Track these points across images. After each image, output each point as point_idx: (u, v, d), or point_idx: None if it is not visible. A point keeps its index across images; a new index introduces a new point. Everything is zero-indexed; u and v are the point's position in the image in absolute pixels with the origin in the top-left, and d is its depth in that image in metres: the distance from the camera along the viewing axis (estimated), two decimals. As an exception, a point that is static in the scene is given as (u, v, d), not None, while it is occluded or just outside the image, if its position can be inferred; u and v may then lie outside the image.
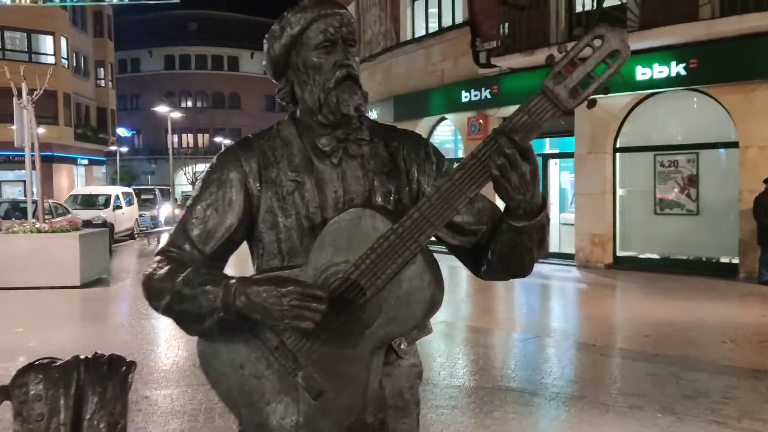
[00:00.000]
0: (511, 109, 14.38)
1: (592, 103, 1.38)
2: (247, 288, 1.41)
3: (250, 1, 57.69)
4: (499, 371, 6.21)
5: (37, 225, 11.47)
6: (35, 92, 11.12)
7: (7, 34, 31.60)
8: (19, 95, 11.39)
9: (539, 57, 11.96)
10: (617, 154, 13.34)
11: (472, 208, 1.63)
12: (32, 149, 11.97)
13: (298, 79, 1.65)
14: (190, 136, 56.14)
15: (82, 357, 2.08)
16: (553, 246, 14.37)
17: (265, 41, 1.67)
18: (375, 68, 18.37)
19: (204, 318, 1.46)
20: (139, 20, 53.12)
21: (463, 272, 13.13)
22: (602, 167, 13.25)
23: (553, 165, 15.08)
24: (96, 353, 2.12)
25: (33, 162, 12.23)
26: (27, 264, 10.86)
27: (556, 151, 15.09)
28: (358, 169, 1.65)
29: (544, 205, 1.46)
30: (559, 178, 15.30)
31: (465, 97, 15.22)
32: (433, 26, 16.99)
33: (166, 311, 1.51)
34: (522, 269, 1.58)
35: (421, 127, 16.62)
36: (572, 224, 14.02)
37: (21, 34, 31.72)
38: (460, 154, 16.01)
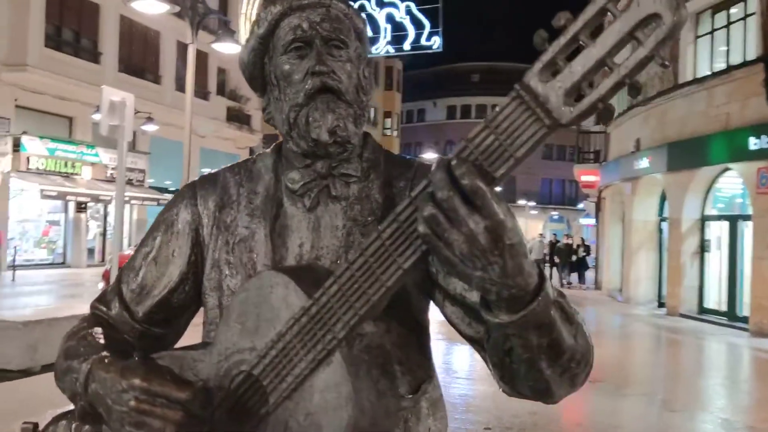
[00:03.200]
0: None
1: (607, 115, 0.76)
2: (98, 372, 1.03)
3: (534, 51, 58.54)
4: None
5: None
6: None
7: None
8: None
9: None
10: None
11: None
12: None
13: (272, 94, 1.25)
14: (466, 182, 57.97)
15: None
16: None
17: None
18: (649, 113, 16.77)
19: (74, 404, 1.11)
20: (427, 73, 57.04)
21: (742, 350, 11.04)
22: None
23: None
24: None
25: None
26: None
27: None
28: (338, 216, 1.19)
29: (540, 286, 0.85)
30: None
31: (754, 144, 12.99)
32: (719, 65, 14.97)
33: (58, 387, 1.20)
34: (534, 392, 0.96)
35: (699, 177, 14.64)
36: None
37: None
38: (749, 211, 13.68)
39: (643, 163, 16.65)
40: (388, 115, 45.97)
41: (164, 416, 0.94)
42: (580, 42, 0.76)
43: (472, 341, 1.12)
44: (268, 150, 1.32)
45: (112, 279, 9.80)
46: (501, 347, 0.90)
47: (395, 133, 46.97)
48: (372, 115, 43.40)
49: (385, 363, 0.99)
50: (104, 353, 1.07)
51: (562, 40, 0.76)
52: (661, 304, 16.41)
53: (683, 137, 15.04)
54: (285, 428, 0.96)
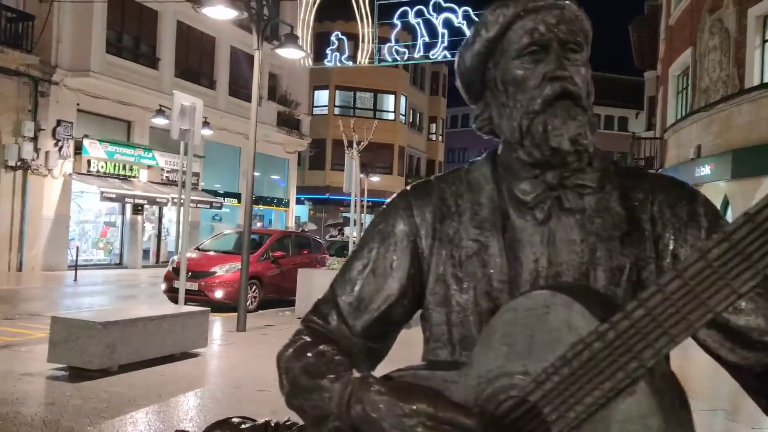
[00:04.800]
0: None
1: None
2: (366, 394, 0.98)
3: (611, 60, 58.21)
4: None
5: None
6: (361, 143, 12.21)
7: (358, 94, 36.11)
8: (350, 146, 12.63)
9: None
10: None
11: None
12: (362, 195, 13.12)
13: (495, 100, 1.19)
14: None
15: (272, 422, 1.87)
16: None
17: (458, 52, 1.26)
18: (711, 119, 16.31)
19: (319, 423, 1.06)
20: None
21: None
22: None
23: None
24: (287, 420, 1.88)
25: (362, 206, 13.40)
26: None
27: None
28: (574, 229, 1.11)
29: None
30: None
31: (827, 151, 12.55)
32: (789, 69, 14.48)
33: (289, 405, 1.15)
34: None
35: (766, 186, 14.16)
36: None
37: (369, 94, 35.91)
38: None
39: (705, 170, 16.20)
40: (433, 120, 45.89)
41: None
42: None
43: (734, 367, 1.04)
44: (481, 158, 1.26)
45: (176, 279, 9.84)
46: None
47: (440, 138, 46.87)
48: (417, 120, 43.34)
49: (681, 392, 0.92)
50: (359, 373, 1.02)
51: None
52: (723, 316, 15.90)
53: (749, 144, 14.59)
54: None
